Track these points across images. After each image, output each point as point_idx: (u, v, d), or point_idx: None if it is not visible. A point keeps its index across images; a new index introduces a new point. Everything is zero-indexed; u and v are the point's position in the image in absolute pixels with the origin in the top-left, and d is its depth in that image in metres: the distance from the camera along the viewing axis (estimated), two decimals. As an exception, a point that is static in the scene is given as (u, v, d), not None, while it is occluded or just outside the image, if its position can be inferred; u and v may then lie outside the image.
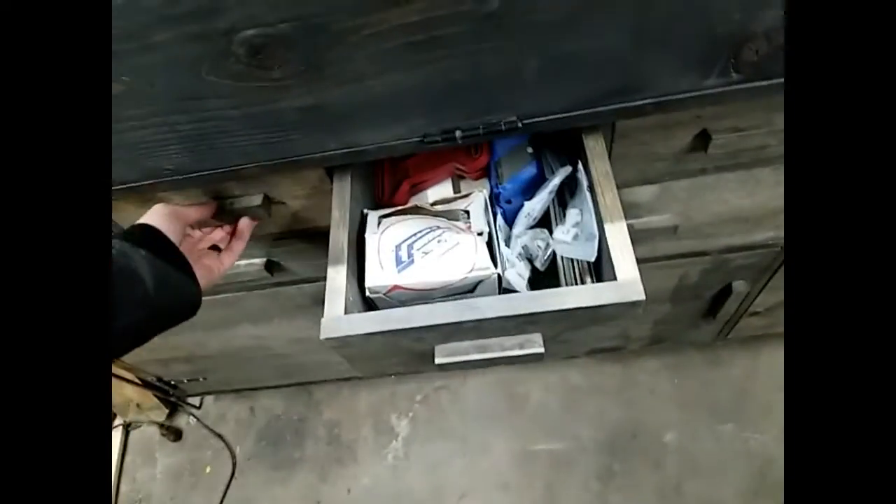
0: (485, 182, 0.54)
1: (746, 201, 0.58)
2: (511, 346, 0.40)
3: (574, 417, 0.97)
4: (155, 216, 0.40)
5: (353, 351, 0.41)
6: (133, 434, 1.11)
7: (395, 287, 0.42)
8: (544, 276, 0.48)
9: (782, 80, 0.38)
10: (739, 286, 0.71)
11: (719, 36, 0.35)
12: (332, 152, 0.42)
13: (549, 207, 0.49)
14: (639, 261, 0.38)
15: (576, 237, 0.44)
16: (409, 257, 0.44)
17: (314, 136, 0.41)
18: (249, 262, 0.61)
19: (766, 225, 0.62)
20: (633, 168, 0.52)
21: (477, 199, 0.49)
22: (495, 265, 0.43)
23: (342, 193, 0.46)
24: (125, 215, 0.51)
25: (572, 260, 0.46)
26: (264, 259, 0.62)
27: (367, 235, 0.46)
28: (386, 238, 0.45)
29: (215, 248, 0.48)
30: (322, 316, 0.39)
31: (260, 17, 0.32)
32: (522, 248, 0.48)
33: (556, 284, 0.46)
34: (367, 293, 0.43)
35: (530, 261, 0.49)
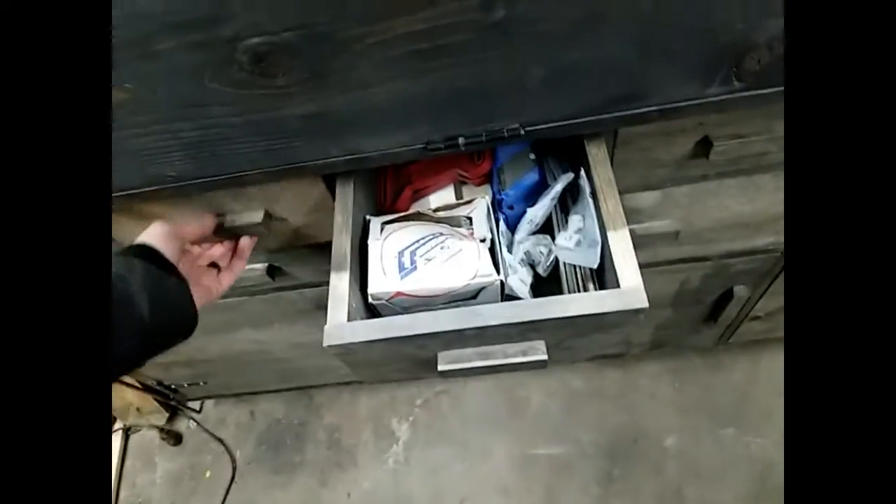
0: (487, 188, 0.54)
1: (747, 207, 0.58)
2: (514, 354, 0.40)
3: (574, 422, 0.97)
4: (153, 235, 0.39)
5: (356, 358, 0.41)
6: (133, 438, 1.11)
7: (398, 294, 0.42)
8: (547, 282, 0.48)
9: (783, 88, 0.38)
10: (740, 291, 0.71)
11: (722, 45, 0.36)
12: (334, 159, 0.42)
13: (551, 214, 0.49)
14: (640, 266, 0.38)
15: (578, 243, 0.45)
16: (411, 264, 0.43)
17: (317, 143, 0.41)
18: (251, 267, 0.61)
19: (766, 230, 0.62)
20: (635, 174, 0.52)
21: (479, 205, 0.49)
22: (498, 272, 0.43)
23: (345, 199, 0.46)
24: (125, 228, 0.51)
25: (575, 266, 0.46)
26: (266, 264, 0.62)
27: (369, 242, 0.46)
28: (389, 245, 0.45)
29: (215, 265, 0.47)
30: (323, 320, 0.39)
31: (264, 26, 0.32)
32: (525, 254, 0.48)
33: (559, 290, 0.46)
34: (370, 300, 0.43)
35: (532, 267, 0.49)
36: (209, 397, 1.10)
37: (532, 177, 0.51)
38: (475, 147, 0.41)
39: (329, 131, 0.40)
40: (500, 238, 0.47)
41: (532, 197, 0.50)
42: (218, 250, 0.47)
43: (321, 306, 0.70)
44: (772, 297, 0.74)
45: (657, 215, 0.58)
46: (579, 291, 0.44)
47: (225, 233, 0.48)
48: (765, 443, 0.89)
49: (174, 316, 0.37)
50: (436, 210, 0.50)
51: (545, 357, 0.39)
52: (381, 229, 0.47)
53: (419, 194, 0.55)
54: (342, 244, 0.44)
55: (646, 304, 0.36)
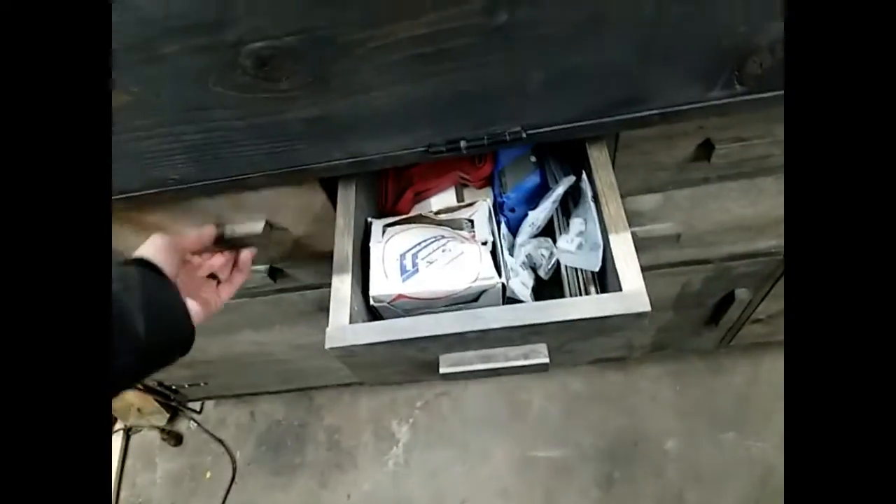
0: (488, 191, 0.54)
1: (749, 210, 0.58)
2: (516, 357, 0.40)
3: (575, 424, 0.97)
4: (152, 248, 0.39)
5: (357, 360, 0.41)
6: (133, 438, 1.11)
7: (400, 296, 0.42)
8: (548, 285, 0.48)
9: (783, 91, 0.38)
10: (742, 294, 0.71)
11: (724, 49, 0.36)
12: (337, 162, 0.42)
13: (552, 216, 0.49)
14: (642, 269, 0.38)
15: (580, 246, 0.45)
16: (413, 266, 0.44)
17: (319, 146, 0.41)
18: (253, 268, 0.61)
19: (768, 233, 0.62)
20: (637, 177, 0.52)
21: (481, 208, 0.49)
22: (499, 274, 0.43)
23: (347, 202, 0.47)
24: (126, 238, 0.50)
25: (576, 269, 0.46)
26: (267, 266, 0.62)
27: (371, 244, 0.46)
28: (390, 247, 0.45)
29: (215, 276, 0.46)
30: (324, 322, 0.40)
31: (267, 30, 0.32)
32: (526, 256, 0.48)
33: (560, 293, 0.46)
34: (372, 302, 0.43)
35: (534, 270, 0.49)
36: (210, 398, 1.10)
37: (533, 179, 0.51)
38: (477, 150, 0.41)
39: (331, 134, 0.40)
40: (502, 241, 0.48)
41: (533, 200, 0.50)
42: (218, 261, 0.46)
43: (322, 308, 0.71)
44: (773, 300, 0.74)
45: (658, 218, 0.58)
46: (581, 295, 0.44)
47: (225, 243, 0.48)
48: (765, 446, 0.89)
49: (171, 333, 0.37)
50: (437, 213, 0.50)
51: (547, 360, 0.39)
52: (383, 232, 0.47)
53: (420, 196, 0.55)
54: (344, 246, 0.44)
55: (648, 308, 0.36)
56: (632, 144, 0.48)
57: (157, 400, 1.02)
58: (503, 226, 0.50)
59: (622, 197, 0.43)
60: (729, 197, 0.57)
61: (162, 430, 1.06)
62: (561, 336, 0.39)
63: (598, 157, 0.45)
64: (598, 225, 0.42)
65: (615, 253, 0.39)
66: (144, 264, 0.37)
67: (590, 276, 0.45)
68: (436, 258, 0.44)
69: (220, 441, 1.07)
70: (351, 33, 0.33)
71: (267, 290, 0.67)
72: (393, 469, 0.99)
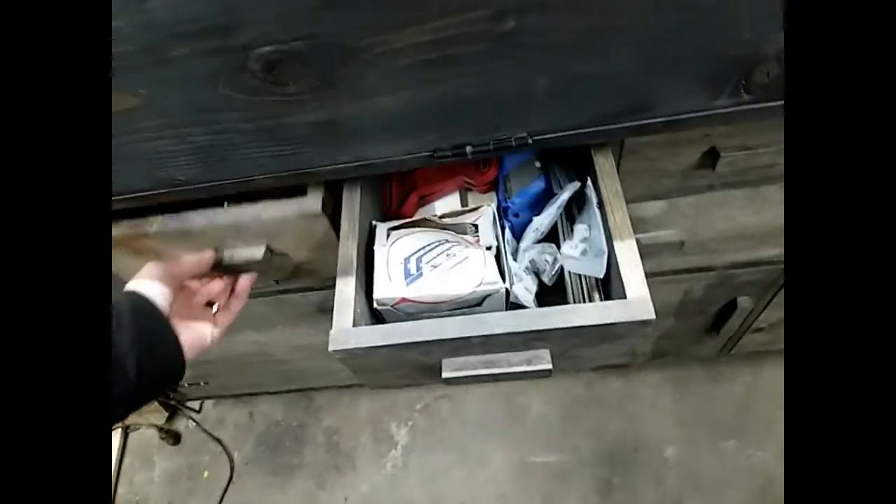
0: (492, 195, 0.54)
1: (753, 218, 0.58)
2: (518, 363, 0.40)
3: (574, 430, 0.97)
4: (146, 279, 0.37)
5: (360, 363, 0.41)
6: (132, 436, 1.11)
7: (403, 299, 0.42)
8: (551, 291, 0.48)
9: (783, 100, 0.38)
10: (744, 302, 0.71)
11: (731, 58, 0.36)
12: (342, 165, 0.42)
13: (556, 222, 0.49)
14: (645, 275, 0.38)
15: (584, 252, 0.45)
16: (417, 270, 0.44)
17: (325, 150, 0.41)
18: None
19: (771, 242, 0.62)
20: (641, 184, 0.52)
21: (486, 213, 0.49)
22: (503, 279, 0.43)
23: (352, 205, 0.47)
24: (127, 264, 0.49)
25: (580, 275, 0.46)
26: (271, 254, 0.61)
27: (375, 248, 0.46)
28: (395, 250, 0.45)
29: (211, 303, 0.45)
30: (326, 323, 0.40)
31: (276, 35, 0.32)
32: (530, 262, 0.49)
33: (563, 299, 0.46)
34: (375, 305, 0.43)
35: (537, 275, 0.49)
36: (209, 397, 1.10)
37: (538, 185, 0.51)
38: (482, 155, 0.41)
39: (337, 138, 0.40)
40: (506, 246, 0.48)
41: (538, 205, 0.50)
42: (217, 287, 0.45)
43: (323, 309, 0.71)
44: (775, 308, 0.74)
45: (662, 225, 0.58)
46: (584, 301, 0.44)
47: (224, 269, 0.46)
48: (766, 456, 0.89)
49: (162, 366, 0.36)
50: (442, 217, 0.50)
51: (550, 366, 0.39)
52: (388, 235, 0.47)
53: (425, 200, 0.55)
54: (349, 249, 0.44)
55: (653, 316, 0.36)
56: (637, 151, 0.48)
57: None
58: (507, 231, 0.50)
59: (626, 203, 0.43)
60: (733, 205, 0.57)
61: (160, 429, 1.06)
62: (565, 342, 0.39)
63: (604, 164, 0.45)
64: (602, 231, 0.42)
65: (620, 260, 0.39)
66: (137, 300, 0.36)
67: (593, 282, 0.45)
68: (440, 262, 0.44)
69: (219, 441, 1.07)
70: (359, 39, 0.33)
71: (269, 291, 0.67)
72: (391, 472, 0.99)
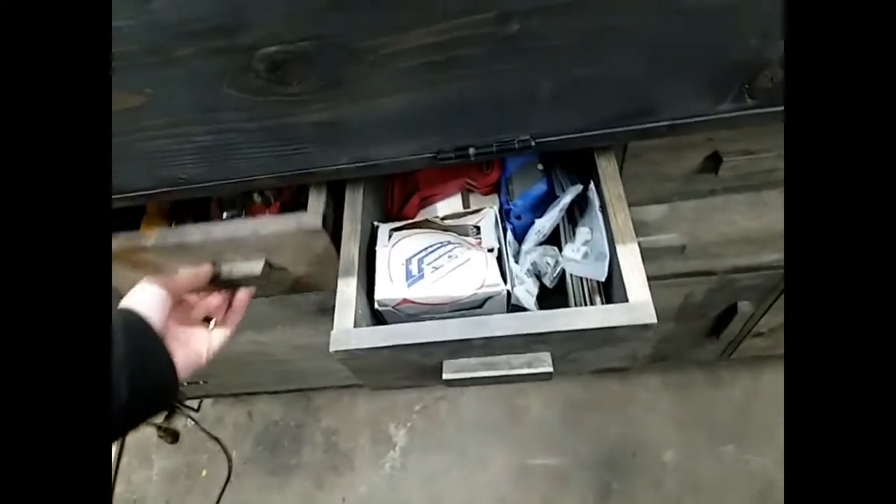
0: (494, 197, 0.54)
1: (754, 223, 0.58)
2: (519, 365, 0.40)
3: (573, 432, 0.97)
4: (141, 295, 0.37)
5: (361, 364, 0.41)
6: (130, 435, 1.10)
7: (405, 301, 0.42)
8: (553, 294, 0.48)
9: (783, 105, 0.38)
10: (744, 307, 0.71)
11: (735, 63, 0.36)
12: (345, 166, 0.42)
13: (558, 225, 0.49)
14: (647, 279, 0.38)
15: (585, 256, 0.45)
16: (419, 271, 0.44)
17: (328, 150, 0.41)
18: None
19: (772, 247, 0.62)
20: (644, 187, 0.52)
21: (488, 215, 0.49)
22: (505, 281, 0.43)
23: (354, 205, 0.47)
24: (126, 279, 0.46)
25: (581, 278, 0.46)
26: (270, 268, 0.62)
27: (377, 248, 0.46)
28: (396, 252, 0.45)
29: (208, 319, 0.44)
30: (326, 324, 0.40)
31: (282, 35, 0.32)
32: (531, 264, 0.49)
33: (564, 302, 0.46)
34: (377, 306, 0.43)
35: (539, 277, 0.49)
36: (208, 396, 1.10)
37: (540, 187, 0.51)
38: (485, 157, 0.41)
39: (340, 139, 0.40)
40: (508, 248, 0.48)
41: (540, 207, 0.50)
42: (215, 301, 0.44)
43: (324, 310, 0.70)
44: (775, 313, 0.74)
45: (664, 229, 0.58)
46: (585, 304, 0.44)
47: (222, 283, 0.46)
48: (765, 461, 0.89)
49: (155, 388, 0.35)
50: (444, 218, 0.50)
51: (551, 369, 0.39)
52: (390, 236, 0.47)
53: (427, 201, 0.55)
54: (350, 250, 0.44)
55: (654, 320, 0.36)
56: (640, 154, 0.48)
57: (155, 397, 1.01)
58: (509, 233, 0.50)
59: (629, 207, 0.43)
60: (735, 209, 0.57)
61: (159, 428, 1.06)
62: (566, 345, 0.39)
63: (607, 167, 0.45)
64: (604, 234, 0.42)
65: (622, 263, 0.39)
66: (130, 318, 0.36)
67: (595, 285, 0.45)
68: (442, 264, 0.44)
69: (217, 440, 1.06)
70: (363, 40, 0.33)
71: (269, 291, 0.67)
72: (389, 472, 0.99)
